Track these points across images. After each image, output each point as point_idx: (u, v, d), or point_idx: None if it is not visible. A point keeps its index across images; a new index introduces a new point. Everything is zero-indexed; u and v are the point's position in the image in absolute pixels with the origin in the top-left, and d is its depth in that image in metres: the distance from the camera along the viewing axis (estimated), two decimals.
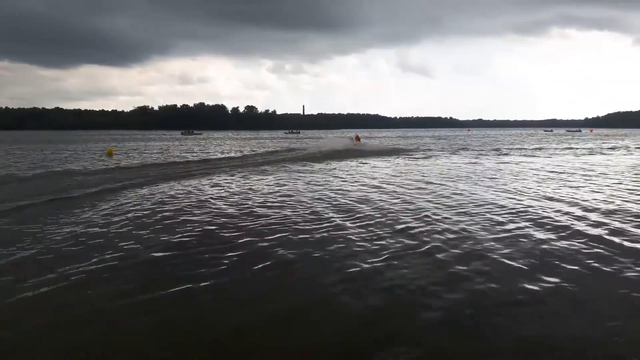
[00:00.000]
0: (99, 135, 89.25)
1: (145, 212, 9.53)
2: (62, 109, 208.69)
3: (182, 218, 8.96)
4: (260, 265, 5.95)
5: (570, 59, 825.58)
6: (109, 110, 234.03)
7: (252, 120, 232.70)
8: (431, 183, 13.86)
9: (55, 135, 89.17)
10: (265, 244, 7.01)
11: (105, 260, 6.20)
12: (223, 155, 29.93)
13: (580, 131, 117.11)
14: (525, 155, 28.10)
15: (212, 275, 5.61)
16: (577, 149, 35.81)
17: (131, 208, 10.08)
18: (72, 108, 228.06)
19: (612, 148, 35.99)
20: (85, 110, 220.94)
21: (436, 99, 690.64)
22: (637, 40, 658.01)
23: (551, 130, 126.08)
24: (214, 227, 8.17)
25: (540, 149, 36.36)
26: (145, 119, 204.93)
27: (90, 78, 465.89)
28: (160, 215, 9.28)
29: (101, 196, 11.89)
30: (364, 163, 21.75)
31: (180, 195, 11.86)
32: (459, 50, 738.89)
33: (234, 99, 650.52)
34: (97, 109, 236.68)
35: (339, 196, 11.41)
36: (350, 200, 10.75)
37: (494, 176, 15.87)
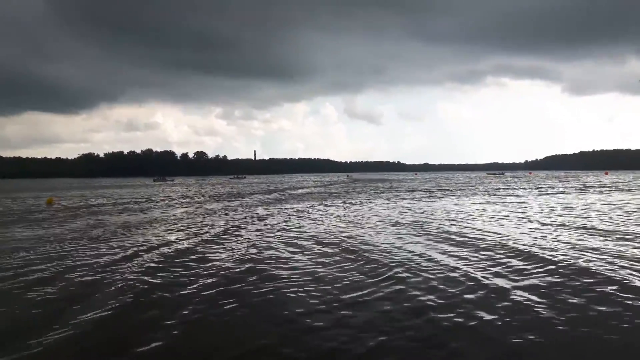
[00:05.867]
0: (44, 184, 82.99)
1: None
2: (1, 157, 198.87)
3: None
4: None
5: (507, 105, 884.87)
6: (53, 158, 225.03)
7: (202, 166, 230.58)
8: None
9: None
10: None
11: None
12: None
13: (503, 174, 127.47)
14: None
15: None
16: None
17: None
18: (12, 156, 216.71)
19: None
20: (27, 159, 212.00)
21: (383, 144, 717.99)
22: (565, 88, 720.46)
23: (494, 173, 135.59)
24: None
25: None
26: (90, 167, 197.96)
27: (33, 125, 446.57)
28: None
29: None
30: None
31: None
32: (402, 97, 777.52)
33: (183, 145, 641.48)
34: (40, 157, 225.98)
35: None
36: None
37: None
